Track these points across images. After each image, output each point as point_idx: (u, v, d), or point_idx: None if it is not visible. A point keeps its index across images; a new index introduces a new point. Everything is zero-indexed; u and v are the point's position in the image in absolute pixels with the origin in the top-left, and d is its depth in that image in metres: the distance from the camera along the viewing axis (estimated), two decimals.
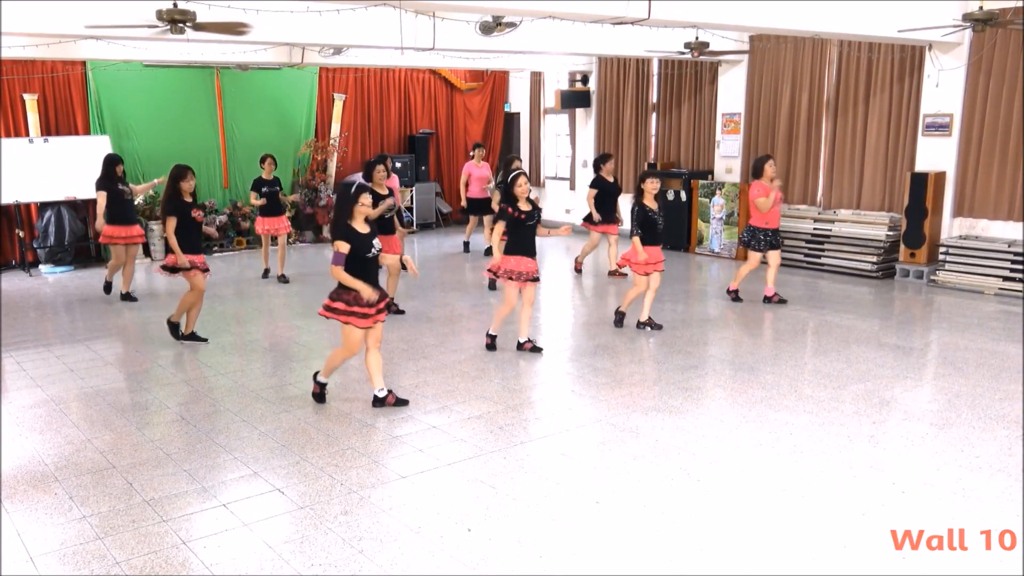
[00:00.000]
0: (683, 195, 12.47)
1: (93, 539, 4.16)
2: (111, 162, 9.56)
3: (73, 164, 11.72)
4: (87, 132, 12.23)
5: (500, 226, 7.09)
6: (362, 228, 5.71)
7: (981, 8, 7.24)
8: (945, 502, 4.44)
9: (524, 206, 7.04)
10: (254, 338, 8.12)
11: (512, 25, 9.49)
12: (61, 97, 12.18)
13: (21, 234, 11.81)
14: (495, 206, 9.78)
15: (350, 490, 4.67)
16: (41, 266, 11.93)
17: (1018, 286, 9.34)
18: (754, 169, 8.87)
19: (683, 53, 10.17)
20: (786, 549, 3.99)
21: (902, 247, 10.35)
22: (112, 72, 12.26)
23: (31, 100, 11.84)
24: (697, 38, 9.69)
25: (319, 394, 6.15)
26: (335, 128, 14.45)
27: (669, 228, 11.88)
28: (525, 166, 14.98)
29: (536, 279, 7.17)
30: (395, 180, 10.45)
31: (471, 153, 12.65)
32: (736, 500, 4.52)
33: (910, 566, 3.82)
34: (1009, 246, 9.50)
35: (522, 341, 7.39)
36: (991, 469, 4.85)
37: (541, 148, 15.95)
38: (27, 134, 11.84)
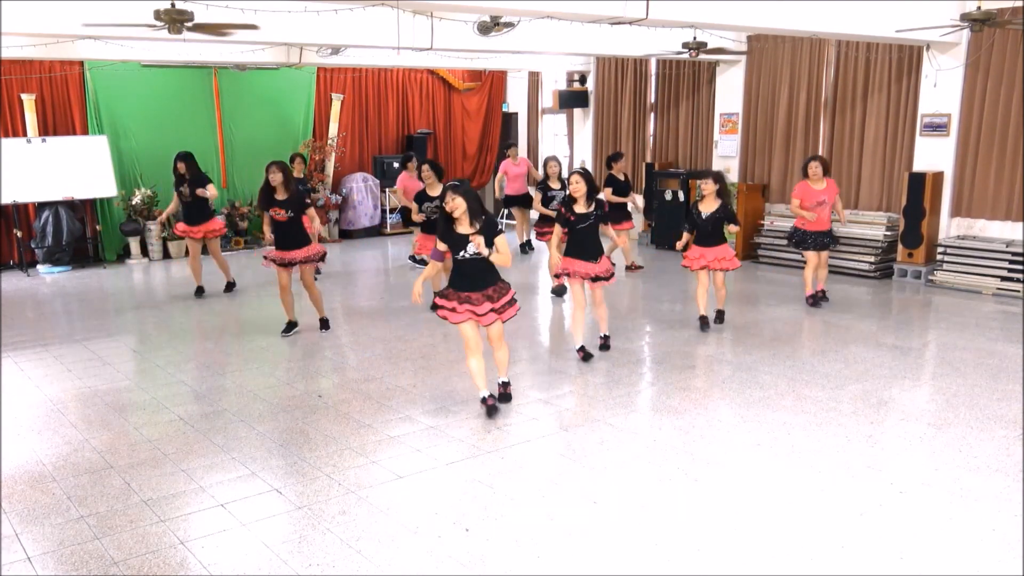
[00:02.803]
0: (681, 195, 12.47)
1: (91, 539, 4.16)
2: (174, 160, 9.71)
3: (71, 164, 11.72)
4: (85, 132, 12.22)
5: (557, 229, 7.09)
6: (461, 229, 5.50)
7: (979, 8, 7.24)
8: (943, 502, 4.45)
9: (580, 207, 6.91)
10: (252, 338, 8.11)
11: (510, 25, 9.49)
12: (59, 97, 12.17)
13: (19, 234, 11.81)
14: (538, 206, 10.02)
15: (348, 490, 4.67)
16: (39, 266, 11.92)
17: (1016, 286, 9.35)
18: (803, 169, 8.96)
19: (681, 53, 10.17)
20: (784, 549, 3.99)
21: (900, 247, 10.36)
22: (110, 72, 12.25)
23: (29, 100, 11.83)
24: (695, 38, 9.69)
25: (492, 407, 5.81)
26: (333, 128, 14.45)
27: (666, 228, 11.92)
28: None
29: (596, 279, 6.99)
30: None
31: (506, 152, 12.89)
32: (734, 500, 4.52)
33: (909, 566, 3.82)
34: (1007, 246, 9.50)
35: (604, 335, 7.37)
36: (989, 469, 4.85)
37: (539, 148, 15.95)
38: (25, 134, 11.83)
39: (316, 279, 10.52)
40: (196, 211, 9.74)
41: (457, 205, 5.44)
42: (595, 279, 7.02)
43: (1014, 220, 9.64)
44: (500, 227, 5.60)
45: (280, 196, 7.69)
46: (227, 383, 6.70)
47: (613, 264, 7.30)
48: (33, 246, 11.94)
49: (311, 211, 7.99)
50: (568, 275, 7.10)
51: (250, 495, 4.64)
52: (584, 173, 6.98)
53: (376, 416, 5.83)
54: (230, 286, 10.20)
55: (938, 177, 10.03)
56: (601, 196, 7.29)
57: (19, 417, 5.94)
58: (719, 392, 6.37)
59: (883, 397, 6.14)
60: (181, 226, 9.90)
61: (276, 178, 7.63)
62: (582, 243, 6.98)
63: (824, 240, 8.90)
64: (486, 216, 5.54)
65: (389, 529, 4.22)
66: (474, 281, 5.61)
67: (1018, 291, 9.33)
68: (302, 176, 10.89)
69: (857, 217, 10.89)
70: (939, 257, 10.06)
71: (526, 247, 12.87)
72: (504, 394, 6.03)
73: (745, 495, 4.58)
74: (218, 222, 10.02)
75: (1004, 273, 9.49)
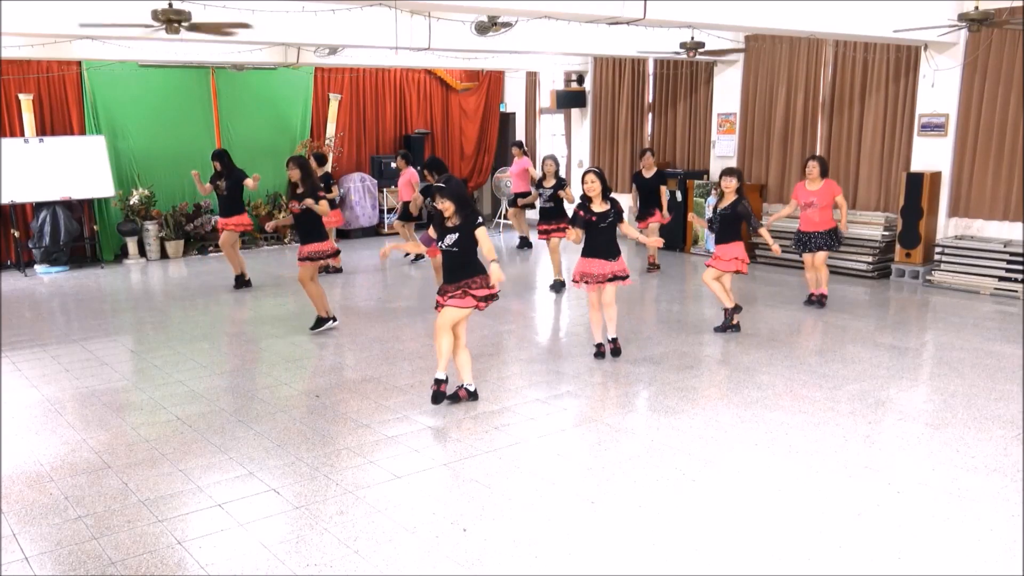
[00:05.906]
0: (679, 195, 12.48)
1: (89, 539, 4.15)
2: (211, 159, 10.40)
3: (68, 164, 11.71)
4: (82, 132, 12.21)
5: (578, 231, 6.97)
6: (449, 222, 5.82)
7: (977, 8, 7.25)
8: (940, 502, 4.45)
9: (597, 207, 6.92)
10: (249, 338, 8.11)
11: (507, 25, 9.49)
12: (57, 97, 12.16)
13: (16, 234, 11.79)
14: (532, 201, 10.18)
15: (345, 490, 4.67)
16: (36, 266, 11.91)
17: (1014, 286, 9.36)
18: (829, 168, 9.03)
19: (679, 53, 10.18)
20: (782, 549, 3.99)
21: (898, 247, 10.37)
22: (107, 72, 12.24)
23: (27, 100, 11.82)
24: (693, 38, 9.69)
25: (438, 392, 5.98)
26: (331, 128, 14.44)
27: (666, 228, 11.90)
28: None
29: (612, 279, 6.99)
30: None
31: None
32: (732, 500, 4.52)
33: (907, 566, 3.83)
34: (1005, 246, 9.52)
35: (612, 338, 7.25)
36: (987, 469, 4.86)
37: (537, 148, 15.95)
38: (23, 134, 11.82)
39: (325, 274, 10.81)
40: (227, 205, 10.22)
41: (447, 207, 5.72)
42: (611, 278, 7.01)
43: (1012, 220, 9.65)
44: (480, 220, 5.81)
45: (300, 190, 8.01)
46: (225, 383, 6.69)
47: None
48: (31, 246, 11.92)
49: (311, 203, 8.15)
50: (586, 283, 7.04)
51: (248, 495, 4.63)
52: (599, 172, 6.98)
53: (374, 416, 5.83)
54: (240, 280, 10.44)
55: (936, 177, 10.04)
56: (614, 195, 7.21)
57: (17, 417, 5.93)
58: (717, 392, 6.38)
59: (881, 397, 6.14)
60: (219, 220, 10.40)
61: (294, 174, 7.98)
62: (602, 242, 6.98)
63: (813, 242, 8.87)
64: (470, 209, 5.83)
65: (387, 529, 4.22)
66: (453, 273, 5.84)
67: (1016, 291, 9.34)
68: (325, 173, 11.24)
69: (855, 217, 10.90)
70: (937, 257, 10.07)
71: (523, 244, 13.22)
72: (454, 394, 6.09)
73: (743, 495, 4.58)
74: (245, 218, 10.36)
75: (1002, 273, 9.50)
